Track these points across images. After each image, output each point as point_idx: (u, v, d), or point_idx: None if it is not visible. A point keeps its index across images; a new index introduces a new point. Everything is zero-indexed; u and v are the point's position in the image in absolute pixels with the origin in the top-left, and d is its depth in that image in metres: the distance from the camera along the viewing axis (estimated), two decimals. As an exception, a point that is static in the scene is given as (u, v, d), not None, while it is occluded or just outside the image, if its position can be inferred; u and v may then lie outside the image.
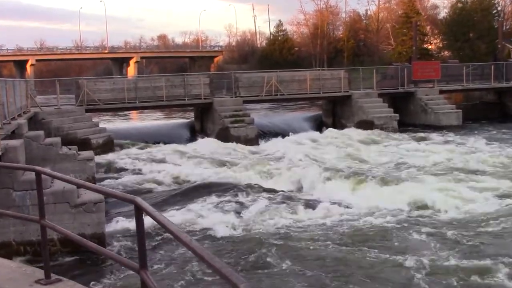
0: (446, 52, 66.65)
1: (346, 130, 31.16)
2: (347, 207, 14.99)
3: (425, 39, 70.53)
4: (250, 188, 16.94)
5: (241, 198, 16.09)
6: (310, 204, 15.23)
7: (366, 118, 31.80)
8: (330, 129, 31.99)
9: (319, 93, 33.20)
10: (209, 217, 14.32)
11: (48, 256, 5.82)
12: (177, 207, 15.51)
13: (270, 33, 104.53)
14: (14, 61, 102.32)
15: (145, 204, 3.94)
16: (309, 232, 12.83)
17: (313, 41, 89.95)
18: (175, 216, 14.26)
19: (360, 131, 30.74)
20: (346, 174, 18.53)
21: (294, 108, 46.33)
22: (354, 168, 20.51)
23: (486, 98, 41.11)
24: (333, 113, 34.44)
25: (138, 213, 3.97)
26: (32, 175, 10.54)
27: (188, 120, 34.70)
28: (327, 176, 18.13)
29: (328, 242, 12.00)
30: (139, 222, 3.99)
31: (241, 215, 14.48)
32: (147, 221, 4.06)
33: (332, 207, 14.83)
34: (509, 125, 33.80)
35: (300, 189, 17.57)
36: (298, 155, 22.97)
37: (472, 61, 44.90)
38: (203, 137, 29.44)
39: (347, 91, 33.37)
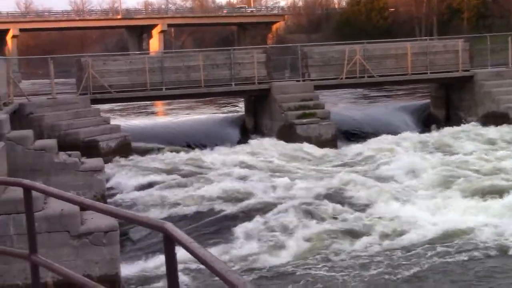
0: None
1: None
2: None
3: None
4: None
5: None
6: None
7: (496, 109, 31.20)
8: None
9: (426, 73, 32.78)
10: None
11: (41, 305, 5.94)
12: (224, 236, 15.70)
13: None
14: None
15: (178, 232, 3.96)
16: None
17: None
18: (220, 249, 14.60)
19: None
20: None
21: (389, 95, 45.95)
22: None
23: None
24: (447, 103, 33.96)
25: (169, 244, 4.00)
26: (18, 192, 10.77)
27: (236, 115, 34.89)
28: None
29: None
30: (170, 257, 4.02)
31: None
32: (182, 255, 4.08)
33: None
34: None
35: None
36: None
37: None
38: (257, 137, 29.50)
39: (468, 70, 32.88)
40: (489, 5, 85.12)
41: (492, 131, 29.28)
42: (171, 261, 4.04)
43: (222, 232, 16.35)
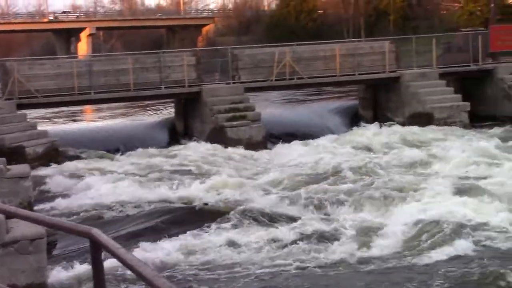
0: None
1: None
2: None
3: (510, -8, 70.33)
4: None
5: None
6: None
7: (422, 109, 31.72)
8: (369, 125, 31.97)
9: (354, 74, 33.13)
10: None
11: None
12: (153, 240, 15.72)
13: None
14: None
15: (104, 238, 3.94)
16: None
17: (344, 0, 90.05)
18: (150, 252, 14.57)
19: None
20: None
21: (318, 97, 46.31)
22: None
23: None
24: (374, 103, 34.38)
25: (95, 250, 3.97)
26: None
27: (166, 118, 34.75)
28: None
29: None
30: (97, 263, 3.99)
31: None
32: (109, 261, 4.05)
33: None
34: None
35: None
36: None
37: None
38: (187, 141, 29.44)
39: (394, 71, 33.33)
40: (414, 7, 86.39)
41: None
42: (97, 267, 4.01)
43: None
